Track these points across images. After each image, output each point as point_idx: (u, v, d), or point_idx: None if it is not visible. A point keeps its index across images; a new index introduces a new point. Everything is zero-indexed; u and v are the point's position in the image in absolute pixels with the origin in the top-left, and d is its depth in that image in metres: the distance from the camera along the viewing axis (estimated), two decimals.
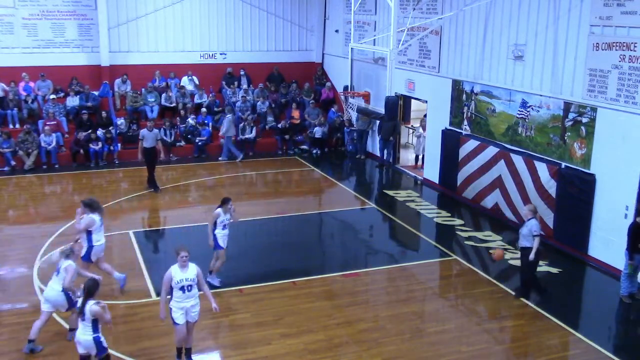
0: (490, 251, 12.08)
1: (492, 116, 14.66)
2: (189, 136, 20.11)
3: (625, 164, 11.28)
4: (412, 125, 20.88)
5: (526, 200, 13.49)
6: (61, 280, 8.72)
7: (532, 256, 10.33)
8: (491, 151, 14.60)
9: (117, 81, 20.90)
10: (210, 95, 21.47)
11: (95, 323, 7.67)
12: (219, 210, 10.70)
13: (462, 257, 12.46)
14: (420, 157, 18.74)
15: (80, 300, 7.80)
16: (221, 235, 10.78)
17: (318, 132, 20.52)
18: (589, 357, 9.02)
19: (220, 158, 19.64)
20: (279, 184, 17.91)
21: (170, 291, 8.20)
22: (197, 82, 21.59)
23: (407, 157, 19.49)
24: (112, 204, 15.27)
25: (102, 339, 7.75)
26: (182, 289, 8.17)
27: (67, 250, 9.00)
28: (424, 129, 18.45)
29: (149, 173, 16.46)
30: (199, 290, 8.37)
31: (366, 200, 16.24)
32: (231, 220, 10.93)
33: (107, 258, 12.34)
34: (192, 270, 8.25)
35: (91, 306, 7.55)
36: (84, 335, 7.67)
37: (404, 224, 14.54)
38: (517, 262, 12.13)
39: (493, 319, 10.10)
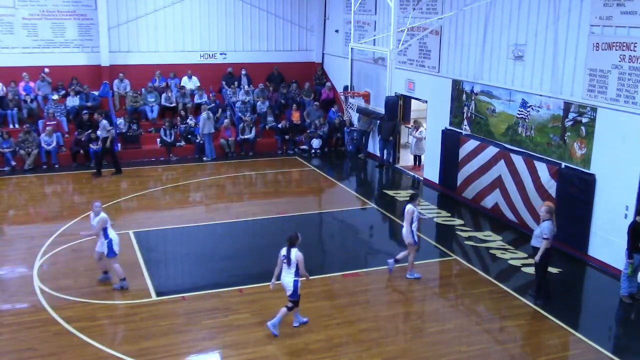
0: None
1: (492, 116, 14.66)
2: (189, 136, 20.11)
3: (625, 164, 11.27)
4: (411, 125, 20.85)
5: (526, 200, 13.50)
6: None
7: (537, 258, 10.32)
8: (491, 151, 14.60)
9: (115, 81, 20.90)
10: (211, 95, 21.47)
11: (297, 268, 9.13)
12: (411, 205, 11.15)
13: (462, 257, 12.46)
14: (417, 157, 18.77)
15: (284, 249, 9.20)
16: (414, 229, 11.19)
17: (315, 143, 20.56)
18: (589, 357, 9.01)
19: (204, 158, 19.65)
20: (279, 184, 17.91)
21: None
22: (198, 84, 21.54)
23: (407, 157, 19.48)
24: (112, 204, 15.26)
25: (300, 284, 9.24)
26: None
27: None
28: (416, 129, 18.45)
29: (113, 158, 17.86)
30: None
31: (366, 200, 16.23)
32: (421, 216, 11.32)
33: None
34: None
35: (296, 253, 9.12)
36: (287, 277, 9.23)
37: (404, 224, 14.49)
38: (517, 262, 12.19)
39: (493, 319, 10.09)
